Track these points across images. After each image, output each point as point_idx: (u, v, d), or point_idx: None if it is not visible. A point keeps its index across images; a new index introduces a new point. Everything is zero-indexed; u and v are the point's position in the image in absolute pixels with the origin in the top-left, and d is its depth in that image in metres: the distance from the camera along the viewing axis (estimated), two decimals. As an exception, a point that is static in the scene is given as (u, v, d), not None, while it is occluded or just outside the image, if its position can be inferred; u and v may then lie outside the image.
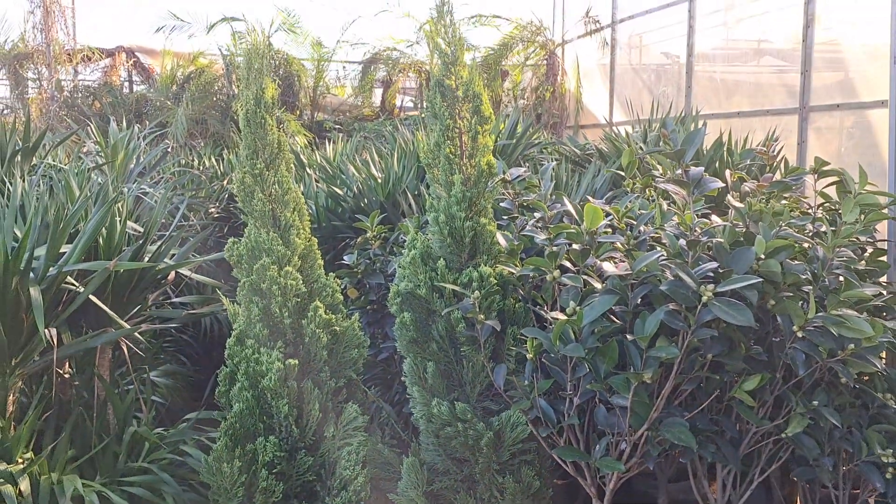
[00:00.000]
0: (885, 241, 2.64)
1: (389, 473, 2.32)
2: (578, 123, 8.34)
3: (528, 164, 3.95)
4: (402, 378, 2.32)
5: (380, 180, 3.85)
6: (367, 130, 7.31)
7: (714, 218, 2.27)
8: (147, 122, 6.15)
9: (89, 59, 7.97)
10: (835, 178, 2.41)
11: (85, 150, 4.81)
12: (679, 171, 1.90)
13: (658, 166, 3.03)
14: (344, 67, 9.04)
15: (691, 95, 5.77)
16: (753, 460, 2.26)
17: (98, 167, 3.66)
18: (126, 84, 8.40)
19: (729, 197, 2.27)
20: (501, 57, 8.50)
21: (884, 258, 2.55)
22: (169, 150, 5.49)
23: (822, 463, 2.05)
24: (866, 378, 2.06)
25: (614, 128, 6.26)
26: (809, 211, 2.45)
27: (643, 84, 7.16)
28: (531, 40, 8.58)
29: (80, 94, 7.79)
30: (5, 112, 7.85)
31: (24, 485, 2.22)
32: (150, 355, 3.37)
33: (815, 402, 1.93)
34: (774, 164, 2.88)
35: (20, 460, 2.30)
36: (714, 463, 2.29)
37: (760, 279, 1.73)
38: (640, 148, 3.83)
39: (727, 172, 2.41)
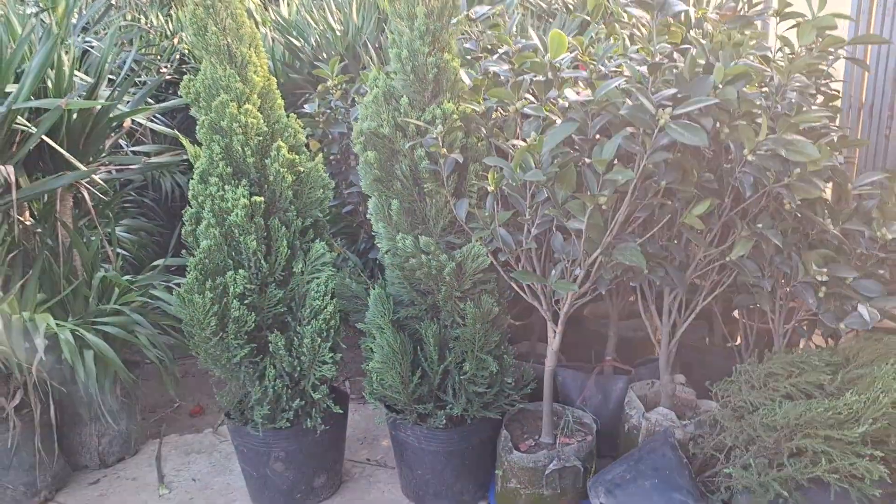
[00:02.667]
0: (840, 80, 2.69)
1: (357, 306, 2.42)
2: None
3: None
4: (369, 231, 2.36)
5: (339, 32, 3.72)
6: (324, -10, 6.93)
7: (678, 56, 2.28)
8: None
9: None
10: (797, 20, 2.41)
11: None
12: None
13: (623, 14, 2.98)
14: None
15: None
16: (697, 290, 2.41)
17: (37, 14, 3.44)
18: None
19: (692, 33, 2.27)
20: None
21: (837, 103, 2.62)
22: (113, 3, 5.16)
23: (762, 285, 2.21)
24: (807, 204, 2.17)
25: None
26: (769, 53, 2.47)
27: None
28: None
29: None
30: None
31: (-3, 322, 2.26)
32: (114, 210, 3.35)
33: (760, 225, 2.05)
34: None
35: (-10, 299, 2.33)
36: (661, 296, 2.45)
37: (716, 100, 1.78)
38: None
39: (692, 9, 2.40)
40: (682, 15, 2.44)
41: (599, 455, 2.52)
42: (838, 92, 2.62)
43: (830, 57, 2.38)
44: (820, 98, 2.57)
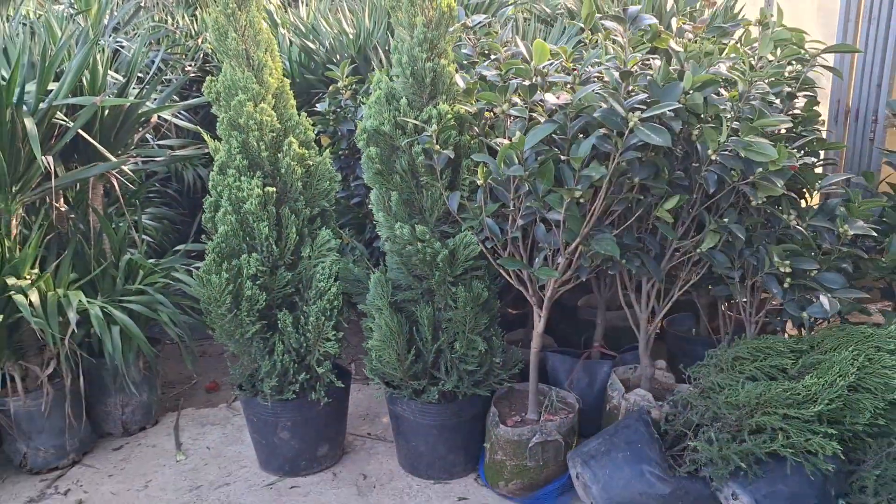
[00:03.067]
0: (818, 87, 2.85)
1: (359, 289, 2.63)
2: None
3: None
4: (374, 221, 2.57)
5: (351, 35, 3.94)
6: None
7: (655, 62, 2.46)
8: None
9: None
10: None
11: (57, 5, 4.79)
12: (619, 9, 2.07)
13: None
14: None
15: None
16: (674, 281, 2.59)
17: (73, 16, 3.71)
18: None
19: (671, 42, 2.45)
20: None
21: (819, 107, 2.77)
22: (142, 4, 5.44)
23: (732, 275, 2.38)
24: (774, 201, 2.34)
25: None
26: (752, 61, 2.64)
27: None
28: None
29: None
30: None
31: (34, 297, 2.51)
32: (140, 199, 3.60)
33: (726, 220, 2.23)
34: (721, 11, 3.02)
35: (28, 276, 2.58)
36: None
37: (682, 105, 1.96)
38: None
39: (673, 20, 2.58)
40: (673, 23, 2.63)
41: (584, 434, 2.70)
42: (815, 95, 2.79)
43: (808, 63, 2.56)
44: (803, 101, 2.74)
